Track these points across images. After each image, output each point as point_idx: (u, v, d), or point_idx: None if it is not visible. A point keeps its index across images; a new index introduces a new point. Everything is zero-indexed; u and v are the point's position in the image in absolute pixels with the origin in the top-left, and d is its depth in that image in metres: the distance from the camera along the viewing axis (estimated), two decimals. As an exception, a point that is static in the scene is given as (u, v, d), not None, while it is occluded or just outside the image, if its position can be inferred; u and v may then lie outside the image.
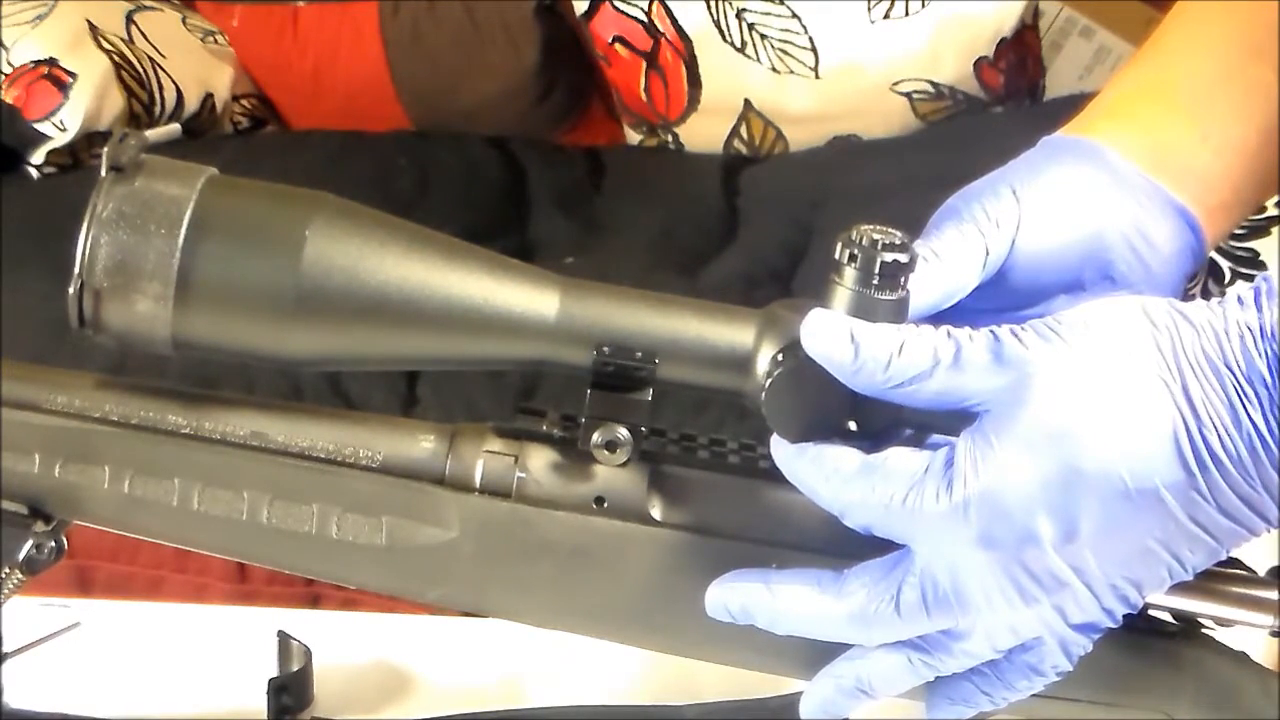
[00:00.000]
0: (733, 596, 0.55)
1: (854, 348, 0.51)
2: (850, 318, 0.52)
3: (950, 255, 0.57)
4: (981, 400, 0.51)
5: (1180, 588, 0.52)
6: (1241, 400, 0.48)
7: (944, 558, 0.51)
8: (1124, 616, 0.52)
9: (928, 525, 0.51)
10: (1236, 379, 0.48)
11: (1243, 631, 0.58)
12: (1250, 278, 1.26)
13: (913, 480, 0.51)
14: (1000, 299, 0.60)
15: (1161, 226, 0.61)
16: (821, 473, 0.52)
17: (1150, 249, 0.60)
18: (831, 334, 0.51)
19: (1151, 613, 0.58)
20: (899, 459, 0.52)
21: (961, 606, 0.51)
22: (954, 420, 0.52)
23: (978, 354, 0.51)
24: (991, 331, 0.51)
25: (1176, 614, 0.58)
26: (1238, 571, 0.57)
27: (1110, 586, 0.51)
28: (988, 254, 0.58)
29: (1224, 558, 0.51)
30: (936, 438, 0.55)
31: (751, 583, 0.54)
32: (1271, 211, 1.29)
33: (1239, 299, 0.50)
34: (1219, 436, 0.48)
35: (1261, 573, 0.59)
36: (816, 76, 1.59)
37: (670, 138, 1.70)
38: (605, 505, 0.56)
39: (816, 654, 0.55)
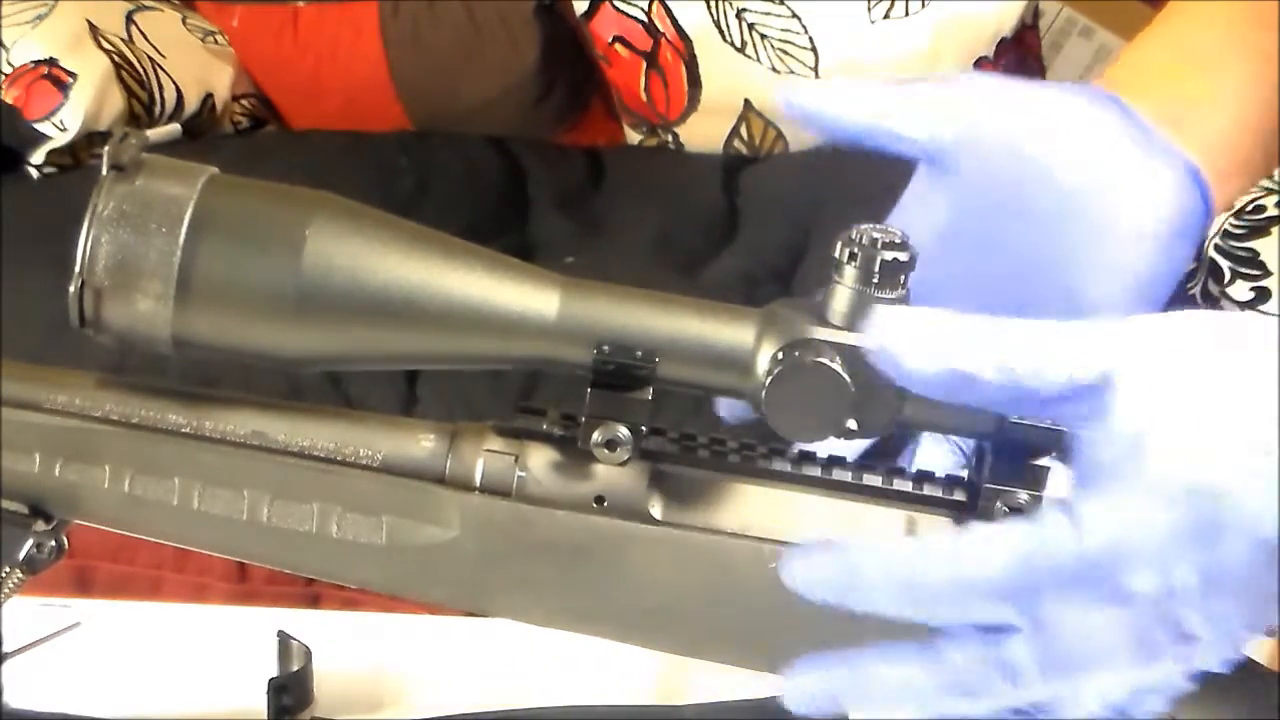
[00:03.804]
0: (815, 685, 0.52)
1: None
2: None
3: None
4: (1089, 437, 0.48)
5: None
6: None
7: (1061, 613, 0.48)
8: None
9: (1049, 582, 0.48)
10: None
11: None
12: (1251, 277, 1.26)
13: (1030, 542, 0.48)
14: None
15: (1170, 181, 0.60)
16: (895, 583, 0.49)
17: (1155, 200, 0.60)
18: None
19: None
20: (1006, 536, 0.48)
21: (1079, 665, 0.48)
22: (962, 421, 0.52)
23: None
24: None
25: None
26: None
27: (1235, 636, 0.48)
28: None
29: None
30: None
31: (833, 669, 0.51)
32: (1272, 211, 1.29)
33: None
34: None
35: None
36: (816, 76, 1.59)
37: (670, 138, 1.70)
38: (605, 504, 0.56)
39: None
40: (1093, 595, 0.47)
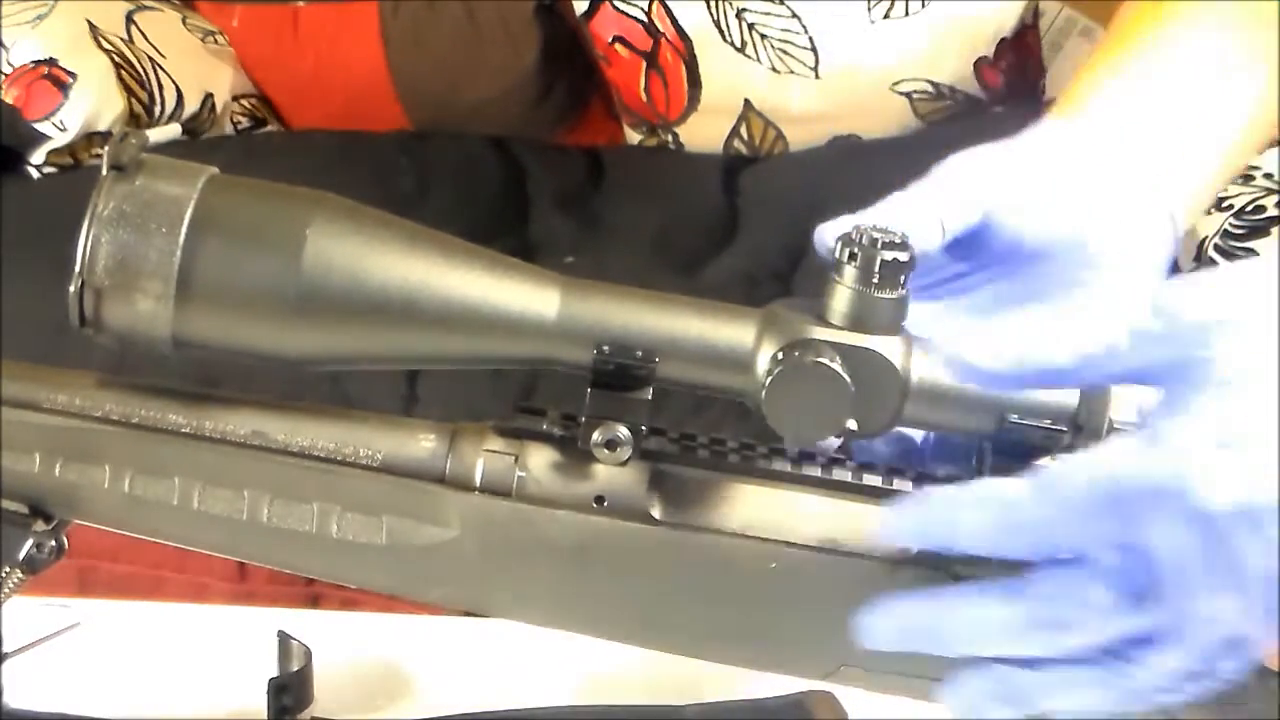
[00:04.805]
0: (898, 620, 0.51)
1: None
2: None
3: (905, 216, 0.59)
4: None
5: None
6: None
7: (1153, 535, 0.46)
8: None
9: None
10: None
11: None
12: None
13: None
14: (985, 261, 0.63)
15: (1161, 228, 0.63)
16: (989, 514, 0.48)
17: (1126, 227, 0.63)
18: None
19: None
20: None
21: (1173, 592, 0.47)
22: (963, 420, 0.52)
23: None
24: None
25: None
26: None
27: None
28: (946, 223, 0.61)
29: None
30: None
31: (916, 606, 0.51)
32: (1272, 212, 1.29)
33: None
34: None
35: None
36: (816, 76, 1.59)
37: (670, 138, 1.70)
38: (605, 504, 0.56)
39: (821, 654, 0.55)
40: (1182, 514, 0.45)
